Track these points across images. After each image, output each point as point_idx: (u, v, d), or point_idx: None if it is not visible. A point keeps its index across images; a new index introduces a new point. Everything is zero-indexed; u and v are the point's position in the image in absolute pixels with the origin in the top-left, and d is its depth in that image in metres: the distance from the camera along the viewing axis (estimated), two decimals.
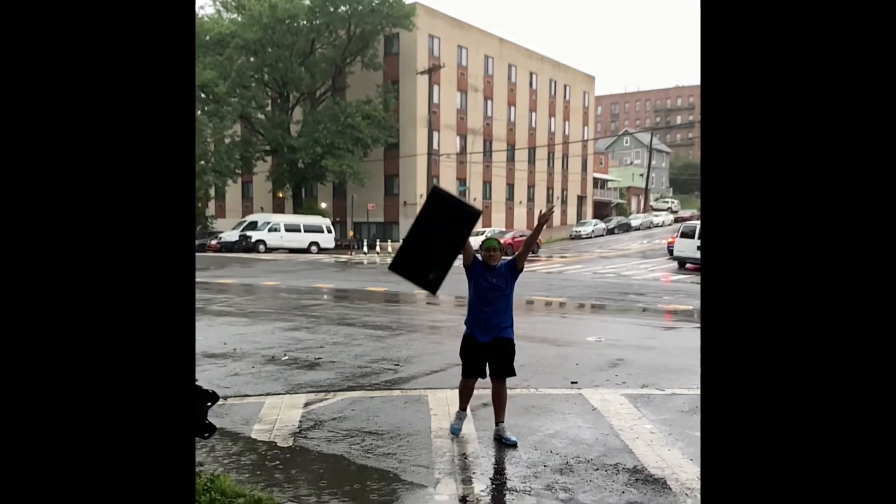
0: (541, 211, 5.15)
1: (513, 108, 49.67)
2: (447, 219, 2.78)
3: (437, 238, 2.94)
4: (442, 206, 2.72)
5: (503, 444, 4.67)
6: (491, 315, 4.75)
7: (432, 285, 3.34)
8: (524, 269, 4.85)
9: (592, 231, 45.82)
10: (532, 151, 51.27)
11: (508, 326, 4.80)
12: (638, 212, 62.30)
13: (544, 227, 4.94)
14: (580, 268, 23.60)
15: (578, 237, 44.58)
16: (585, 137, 58.61)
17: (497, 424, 4.81)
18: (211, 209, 46.93)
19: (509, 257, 4.98)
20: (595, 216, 56.75)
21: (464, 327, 4.91)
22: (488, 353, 4.78)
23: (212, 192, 42.54)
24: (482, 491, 3.90)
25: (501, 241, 5.35)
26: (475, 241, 5.10)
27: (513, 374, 4.83)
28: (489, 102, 47.49)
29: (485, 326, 4.77)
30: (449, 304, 13.06)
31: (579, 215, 57.24)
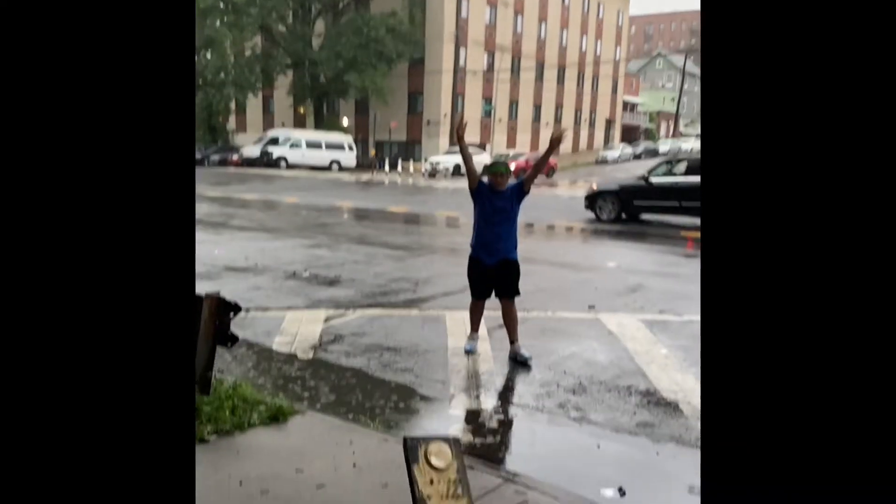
0: (552, 133, 5.06)
1: (543, 25, 47.77)
2: None
3: None
4: None
5: (518, 362, 4.77)
6: (496, 238, 4.80)
7: None
8: (530, 192, 4.82)
9: (619, 156, 44.94)
10: (561, 71, 49.68)
11: (513, 248, 4.85)
12: (667, 137, 60.74)
13: (556, 150, 4.87)
14: None
15: (604, 162, 43.81)
16: (617, 58, 56.48)
17: (511, 344, 4.89)
18: (232, 123, 46.69)
19: (516, 180, 4.93)
20: (623, 140, 55.49)
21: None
22: (494, 274, 4.85)
23: (232, 105, 42.16)
24: (496, 407, 4.00)
25: (516, 163, 5.32)
26: (482, 162, 5.03)
27: (518, 293, 4.91)
28: (519, 18, 45.67)
29: (490, 249, 4.82)
30: (468, 228, 13.00)
31: (607, 139, 56.00)
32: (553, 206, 17.40)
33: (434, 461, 2.27)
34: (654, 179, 13.83)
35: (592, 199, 14.48)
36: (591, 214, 14.48)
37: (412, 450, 2.26)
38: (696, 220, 12.67)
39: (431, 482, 2.26)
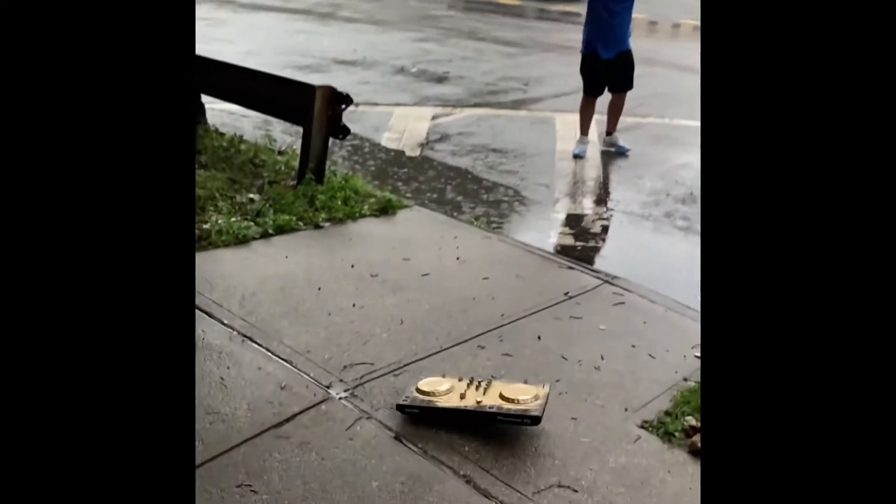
0: None
1: None
2: None
3: None
4: None
5: (616, 152, 4.81)
6: (616, 27, 4.57)
7: None
8: None
9: None
10: None
11: (629, 38, 4.69)
12: None
13: None
14: None
15: None
16: None
17: (608, 135, 4.89)
18: None
19: None
20: None
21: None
22: (611, 68, 4.68)
23: None
24: (600, 213, 3.97)
25: None
26: None
27: (632, 86, 4.79)
28: None
29: (610, 40, 4.60)
30: None
31: None
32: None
33: (428, 388, 2.06)
34: None
35: None
36: None
37: (408, 408, 2.02)
38: None
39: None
